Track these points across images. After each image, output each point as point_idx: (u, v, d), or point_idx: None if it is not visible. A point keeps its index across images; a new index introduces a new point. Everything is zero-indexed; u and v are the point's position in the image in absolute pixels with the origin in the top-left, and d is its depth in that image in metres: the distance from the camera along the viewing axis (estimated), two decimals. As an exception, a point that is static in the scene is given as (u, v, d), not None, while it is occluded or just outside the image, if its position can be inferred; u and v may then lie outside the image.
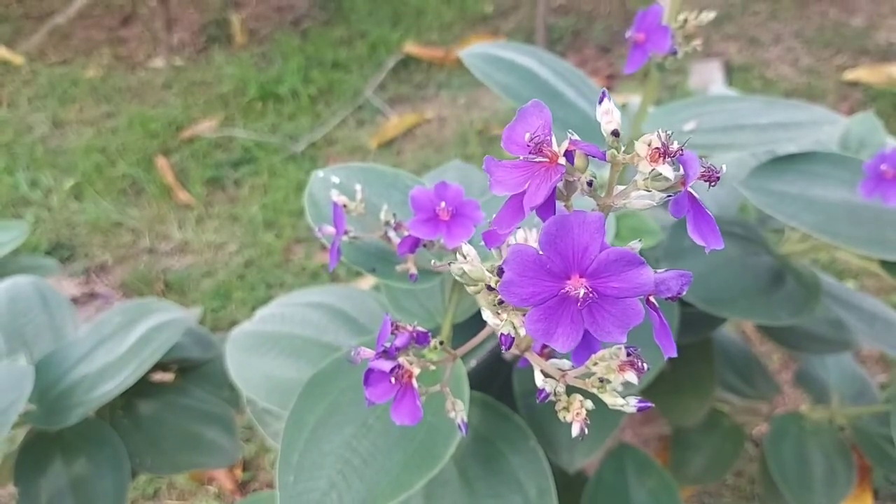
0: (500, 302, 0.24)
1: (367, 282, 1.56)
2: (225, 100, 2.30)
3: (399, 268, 0.39)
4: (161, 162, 2.02)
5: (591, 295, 0.19)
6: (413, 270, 0.38)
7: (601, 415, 0.54)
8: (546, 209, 0.19)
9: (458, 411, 0.29)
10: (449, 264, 0.41)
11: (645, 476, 0.62)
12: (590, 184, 0.20)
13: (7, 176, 2.01)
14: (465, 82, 2.36)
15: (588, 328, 0.19)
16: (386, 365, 0.28)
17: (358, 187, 0.39)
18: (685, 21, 0.43)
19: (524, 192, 0.19)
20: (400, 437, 0.43)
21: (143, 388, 0.84)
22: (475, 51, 0.46)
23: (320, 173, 0.46)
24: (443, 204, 0.31)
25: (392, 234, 0.38)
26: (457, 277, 0.25)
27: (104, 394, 0.73)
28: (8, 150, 2.10)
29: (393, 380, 0.28)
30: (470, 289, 0.25)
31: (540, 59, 0.47)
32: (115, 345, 0.77)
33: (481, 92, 2.33)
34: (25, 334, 0.83)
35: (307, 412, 0.46)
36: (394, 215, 0.38)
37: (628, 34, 0.44)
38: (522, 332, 0.24)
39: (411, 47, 2.49)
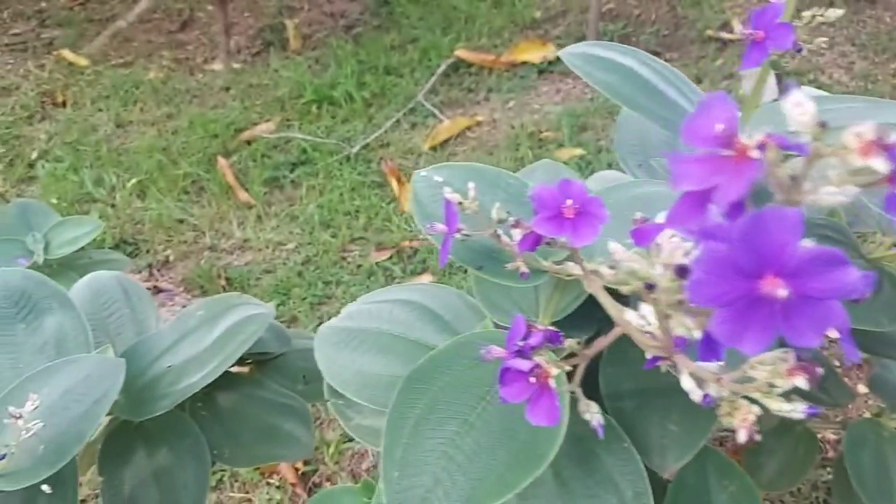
0: (679, 302, 0.24)
1: (425, 280, 1.58)
2: (282, 102, 2.34)
3: (510, 266, 0.39)
4: (221, 162, 2.07)
5: (790, 296, 0.19)
6: (524, 269, 0.39)
7: (693, 418, 0.54)
8: (737, 205, 0.19)
9: (594, 413, 0.30)
10: (561, 262, 0.42)
11: (726, 480, 0.62)
12: (792, 178, 0.20)
13: (73, 174, 2.07)
14: (515, 86, 2.37)
15: (781, 331, 0.19)
16: (524, 364, 0.29)
17: (471, 185, 0.40)
18: (812, 17, 0.44)
19: (709, 189, 0.19)
20: (502, 436, 0.44)
21: (221, 380, 0.86)
22: (575, 51, 0.46)
23: (422, 172, 0.47)
24: (569, 201, 0.32)
25: (504, 231, 0.39)
26: (612, 278, 0.26)
27: (189, 385, 0.75)
28: (73, 149, 2.17)
29: (532, 379, 0.29)
30: (624, 288, 0.26)
31: (639, 58, 0.48)
32: (199, 338, 0.79)
33: (531, 96, 2.33)
34: (109, 327, 0.86)
35: (408, 408, 0.47)
36: (507, 213, 0.39)
37: (744, 31, 0.44)
38: (697, 334, 0.25)
39: (462, 52, 2.50)
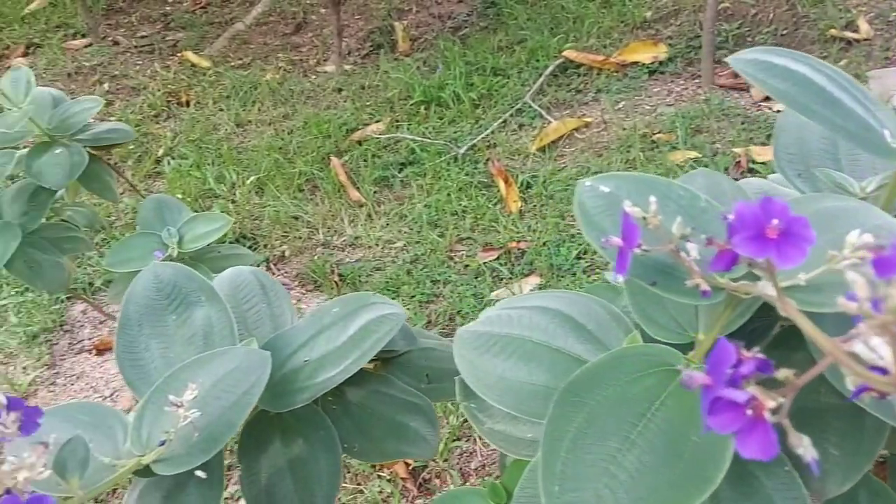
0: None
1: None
2: (391, 103, 2.38)
3: (689, 283, 0.39)
4: (334, 161, 2.13)
5: None
6: (705, 287, 0.38)
7: (855, 441, 0.52)
8: None
9: (807, 447, 0.29)
10: (737, 280, 0.41)
11: (880, 505, 0.59)
12: None
13: (196, 171, 2.18)
14: (625, 87, 2.33)
15: None
16: (739, 396, 0.28)
17: (652, 199, 0.39)
18: None
19: None
20: (667, 455, 0.43)
21: (350, 375, 0.89)
22: (746, 57, 0.45)
23: (587, 182, 0.47)
24: (774, 221, 0.31)
25: (681, 247, 0.38)
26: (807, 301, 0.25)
27: (327, 380, 0.77)
28: (197, 147, 2.28)
29: (749, 411, 0.28)
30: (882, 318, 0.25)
31: (812, 64, 0.46)
32: (335, 334, 0.82)
33: (642, 97, 2.29)
34: (248, 320, 0.89)
35: (565, 422, 0.47)
36: (691, 229, 0.38)
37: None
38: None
39: (570, 52, 2.48)
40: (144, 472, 0.67)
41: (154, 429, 0.67)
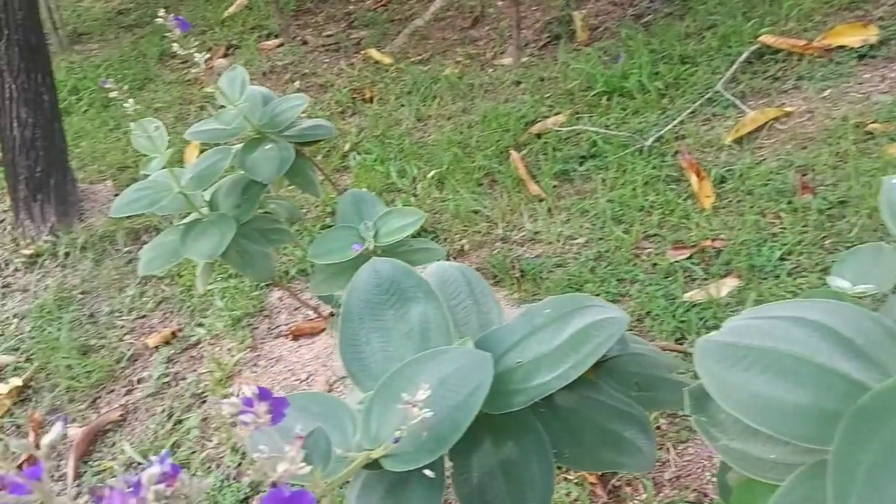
0: None
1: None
2: (571, 95, 2.33)
3: None
4: (514, 155, 2.11)
5: None
6: None
7: None
8: None
9: None
10: None
11: None
12: None
13: (380, 165, 2.24)
14: (831, 73, 2.14)
15: None
16: None
17: None
18: None
19: None
20: None
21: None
22: None
23: (894, 179, 0.42)
24: None
25: None
26: None
27: (542, 385, 0.75)
28: (380, 142, 2.35)
29: None
30: None
31: None
32: (548, 336, 0.79)
33: (851, 84, 2.09)
34: (456, 317, 0.89)
35: (856, 450, 0.42)
36: None
37: None
38: None
39: (767, 37, 2.31)
40: (372, 465, 0.68)
41: (383, 424, 0.68)
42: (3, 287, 2.17)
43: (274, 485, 0.51)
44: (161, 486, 0.43)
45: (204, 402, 1.71)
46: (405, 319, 0.80)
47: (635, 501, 1.28)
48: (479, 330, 0.88)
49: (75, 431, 1.72)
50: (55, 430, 0.43)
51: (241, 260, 1.36)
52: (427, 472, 0.65)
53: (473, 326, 0.88)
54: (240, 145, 1.36)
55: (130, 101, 1.04)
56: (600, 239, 1.82)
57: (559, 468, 1.36)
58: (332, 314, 1.84)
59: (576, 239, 1.85)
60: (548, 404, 0.86)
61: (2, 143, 2.17)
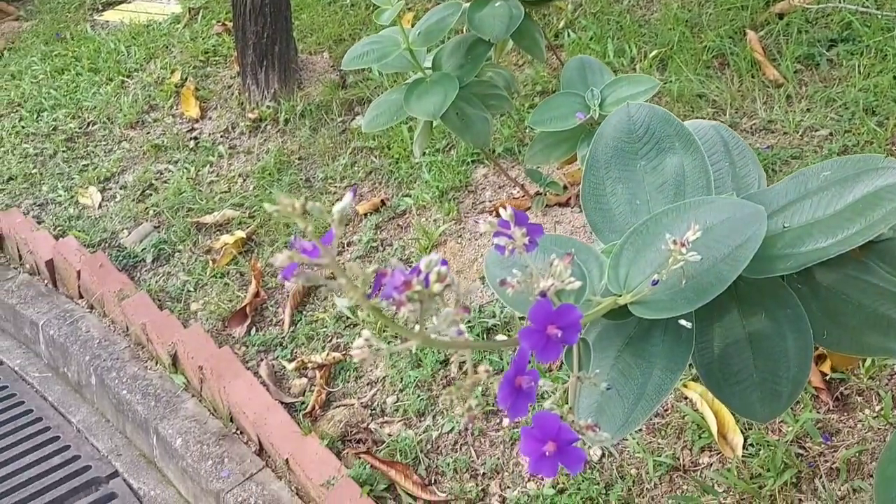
0: None
1: None
2: (823, -31, 2.04)
3: None
4: (750, 36, 1.90)
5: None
6: None
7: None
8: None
9: None
10: None
11: None
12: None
13: (595, 44, 2.12)
14: None
15: None
16: None
17: None
18: None
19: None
20: None
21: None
22: None
23: None
24: None
25: None
26: None
27: (817, 251, 0.67)
28: (598, 20, 2.21)
29: None
30: None
31: None
32: (824, 201, 0.70)
33: None
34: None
35: None
36: None
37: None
38: None
39: None
40: (616, 313, 0.64)
41: (633, 270, 0.63)
42: (230, 148, 2.33)
43: (543, 294, 0.48)
44: (443, 269, 0.41)
45: (409, 267, 1.75)
46: (658, 171, 0.73)
47: (865, 412, 1.16)
48: (736, 192, 0.79)
49: (292, 284, 1.84)
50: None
51: (460, 123, 1.34)
52: (683, 322, 0.60)
53: (728, 189, 0.80)
54: (468, 3, 1.32)
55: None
56: (847, 132, 1.61)
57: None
58: (538, 193, 1.80)
59: (817, 130, 1.65)
60: (806, 280, 0.77)
61: (233, 8, 2.28)
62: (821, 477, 1.08)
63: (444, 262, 0.45)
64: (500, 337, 0.47)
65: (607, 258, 0.65)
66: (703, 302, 0.58)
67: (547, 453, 0.45)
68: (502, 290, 0.53)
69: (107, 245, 2.12)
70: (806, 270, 0.78)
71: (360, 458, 1.34)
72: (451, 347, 0.44)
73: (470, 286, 0.48)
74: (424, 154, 1.97)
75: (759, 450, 1.14)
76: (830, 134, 1.62)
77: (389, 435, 1.39)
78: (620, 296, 0.62)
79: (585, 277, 0.58)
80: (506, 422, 1.36)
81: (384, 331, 1.48)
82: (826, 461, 1.10)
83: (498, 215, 0.56)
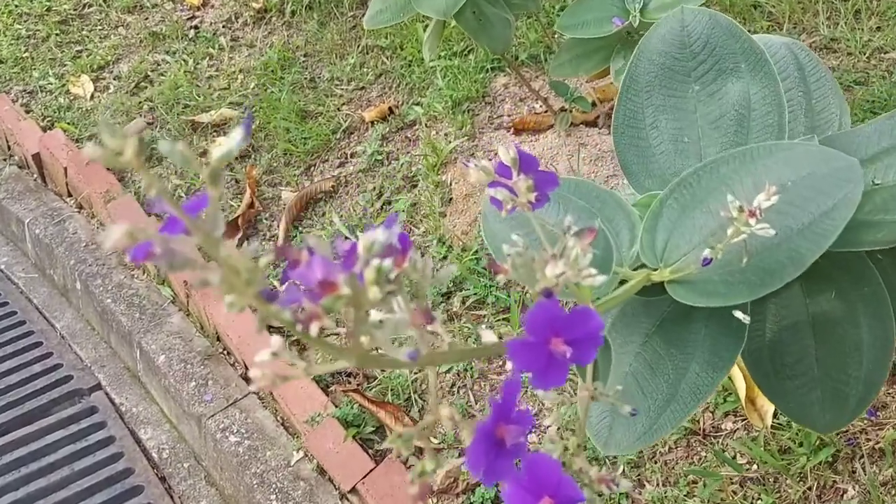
0: None
1: None
2: None
3: None
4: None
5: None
6: None
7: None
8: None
9: None
10: None
11: None
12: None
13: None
14: None
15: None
16: None
17: None
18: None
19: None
20: None
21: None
22: None
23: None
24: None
25: None
26: None
27: (920, 220, 0.50)
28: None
29: None
30: None
31: None
32: (934, 152, 0.53)
33: None
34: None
35: None
36: None
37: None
38: None
39: None
40: (647, 289, 0.49)
41: (675, 236, 0.48)
42: (232, 41, 2.14)
43: (548, 294, 0.33)
44: (385, 262, 0.26)
45: (415, 185, 1.60)
46: (715, 100, 0.56)
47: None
48: (806, 132, 0.62)
49: (288, 195, 1.70)
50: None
51: (476, 24, 1.16)
52: (738, 314, 0.45)
53: (799, 126, 0.63)
54: None
55: None
56: (922, 56, 1.41)
57: None
58: (563, 109, 1.62)
59: (887, 52, 1.44)
60: (891, 252, 0.61)
61: None
62: (861, 458, 0.96)
63: (404, 239, 0.30)
64: (487, 338, 0.33)
65: (641, 215, 0.50)
66: (769, 290, 0.43)
67: (540, 513, 0.31)
68: (502, 261, 0.39)
69: (97, 141, 1.97)
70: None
71: (348, 395, 1.23)
72: (405, 367, 0.30)
73: (448, 271, 0.35)
74: (439, 58, 1.77)
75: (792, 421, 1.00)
76: (902, 57, 1.42)
77: (382, 371, 1.27)
78: (656, 270, 0.47)
79: (612, 249, 0.43)
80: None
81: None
82: (869, 440, 0.97)
83: (517, 133, 0.41)
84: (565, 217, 0.39)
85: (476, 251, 1.36)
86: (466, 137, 1.62)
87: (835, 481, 0.95)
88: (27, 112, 2.09)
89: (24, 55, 2.28)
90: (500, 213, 0.39)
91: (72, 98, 2.11)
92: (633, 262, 0.49)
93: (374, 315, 0.29)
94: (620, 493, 1.02)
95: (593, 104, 1.54)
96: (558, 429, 0.37)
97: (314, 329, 0.25)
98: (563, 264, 0.32)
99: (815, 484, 0.95)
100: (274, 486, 1.24)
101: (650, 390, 0.50)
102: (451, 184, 1.55)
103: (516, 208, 0.39)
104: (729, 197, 0.41)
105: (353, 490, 1.13)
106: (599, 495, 0.34)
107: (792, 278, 0.43)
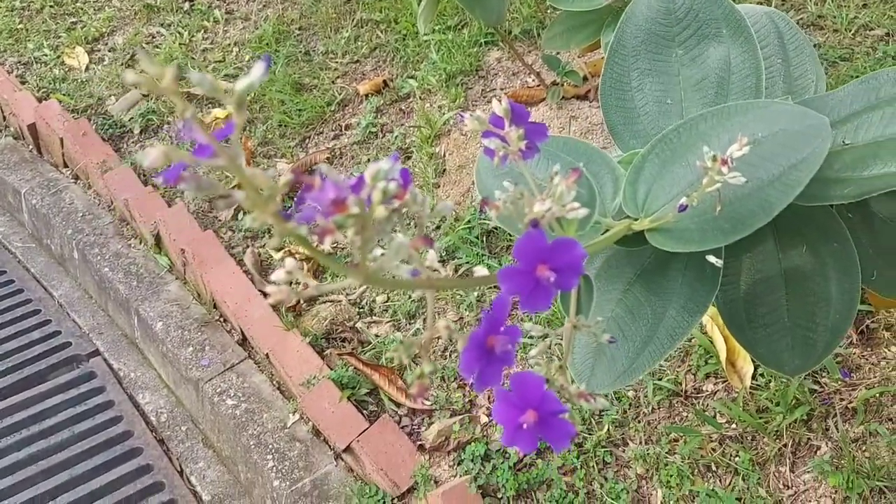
0: None
1: None
2: None
3: None
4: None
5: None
6: None
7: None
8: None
9: None
10: None
11: None
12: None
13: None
14: None
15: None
16: None
17: None
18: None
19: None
20: None
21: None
22: None
23: None
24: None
25: None
26: None
27: (883, 176, 0.54)
28: None
29: None
30: None
31: None
32: (898, 114, 0.56)
33: None
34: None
35: None
36: None
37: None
38: None
39: None
40: (630, 239, 0.52)
41: (655, 188, 0.51)
42: (227, 13, 2.15)
43: (535, 224, 0.36)
44: (392, 185, 0.29)
45: (409, 157, 1.63)
46: (698, 63, 0.59)
47: (892, 349, 1.06)
48: (787, 95, 0.66)
49: (283, 167, 1.72)
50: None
51: (470, -5, 1.18)
52: (712, 258, 0.49)
53: (778, 90, 0.66)
54: None
55: None
56: (905, 32, 1.44)
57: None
58: (555, 83, 1.64)
59: (873, 29, 1.47)
60: (858, 208, 0.65)
61: None
62: (835, 416, 1.00)
63: (405, 174, 0.33)
64: (480, 273, 0.36)
65: (625, 170, 0.53)
66: (740, 235, 0.46)
67: (525, 425, 0.35)
68: (489, 209, 0.42)
69: (92, 112, 1.98)
70: (865, 200, 0.66)
71: (343, 358, 1.27)
72: (406, 287, 0.33)
73: (446, 206, 0.38)
74: (434, 31, 1.79)
75: (770, 381, 1.05)
76: (887, 34, 1.45)
77: (377, 336, 1.31)
78: (637, 220, 0.50)
79: (595, 194, 0.46)
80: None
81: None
82: (842, 399, 1.01)
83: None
84: (553, 167, 0.42)
85: (469, 220, 1.39)
86: (460, 110, 1.64)
87: (809, 438, 0.99)
88: (22, 83, 2.10)
89: (18, 27, 2.28)
90: (493, 165, 0.42)
91: (67, 69, 2.12)
92: (617, 213, 0.52)
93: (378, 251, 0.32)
94: (605, 451, 1.06)
95: (585, 78, 1.57)
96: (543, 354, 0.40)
97: (327, 243, 0.28)
98: (549, 201, 0.35)
99: (791, 441, 0.99)
100: (270, 446, 1.27)
101: (630, 333, 0.53)
102: (444, 155, 1.58)
103: (508, 158, 0.42)
104: (705, 148, 0.44)
105: (348, 449, 1.17)
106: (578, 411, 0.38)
107: (762, 224, 0.46)
